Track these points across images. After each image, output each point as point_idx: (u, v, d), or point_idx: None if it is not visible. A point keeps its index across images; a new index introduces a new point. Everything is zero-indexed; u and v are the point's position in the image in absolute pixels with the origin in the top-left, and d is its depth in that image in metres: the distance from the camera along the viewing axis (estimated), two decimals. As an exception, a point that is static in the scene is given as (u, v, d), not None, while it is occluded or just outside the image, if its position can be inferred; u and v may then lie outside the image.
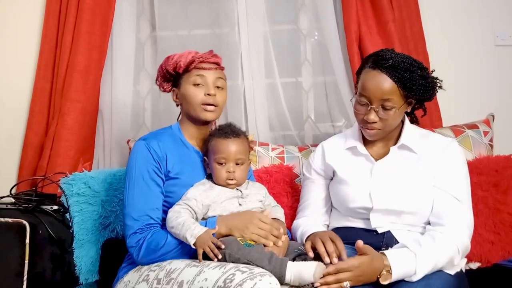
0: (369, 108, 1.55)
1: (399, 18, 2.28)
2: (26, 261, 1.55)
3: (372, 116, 1.55)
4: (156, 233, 1.49)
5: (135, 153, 1.57)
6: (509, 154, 1.95)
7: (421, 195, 1.56)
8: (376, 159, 1.64)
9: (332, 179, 1.73)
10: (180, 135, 1.66)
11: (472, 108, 2.30)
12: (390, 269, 1.39)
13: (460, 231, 1.51)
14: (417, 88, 1.53)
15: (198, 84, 1.61)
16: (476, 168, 1.89)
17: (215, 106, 1.61)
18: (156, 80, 1.73)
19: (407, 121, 1.67)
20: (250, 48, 2.39)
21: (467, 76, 2.38)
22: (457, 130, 2.05)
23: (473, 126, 2.07)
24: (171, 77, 1.69)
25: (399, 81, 1.52)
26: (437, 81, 1.61)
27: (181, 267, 1.40)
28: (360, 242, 1.40)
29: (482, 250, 1.80)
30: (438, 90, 1.63)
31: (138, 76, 2.50)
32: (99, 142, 2.41)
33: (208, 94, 1.60)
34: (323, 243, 1.43)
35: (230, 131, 1.60)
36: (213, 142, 1.59)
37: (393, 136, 1.66)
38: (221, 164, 1.57)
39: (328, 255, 1.40)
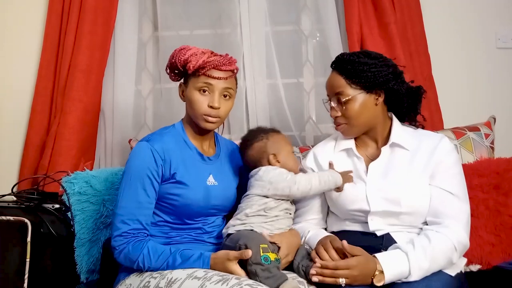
0: (330, 104, 1.65)
1: (401, 19, 2.28)
2: (28, 260, 1.55)
3: (333, 112, 1.64)
4: (137, 245, 1.48)
5: (137, 154, 1.54)
6: (510, 156, 1.95)
7: (419, 194, 1.55)
8: (370, 160, 1.65)
9: None
10: (184, 135, 1.63)
11: (473, 110, 2.30)
12: (383, 271, 1.41)
13: (457, 228, 1.50)
14: (364, 76, 1.59)
15: (204, 91, 1.56)
16: (477, 170, 1.89)
17: (217, 117, 1.57)
18: (166, 68, 1.65)
19: (395, 119, 1.67)
20: (252, 49, 2.39)
21: (468, 78, 2.38)
22: (458, 132, 2.06)
23: (474, 128, 2.07)
24: (180, 71, 1.62)
25: (344, 73, 1.61)
26: (392, 66, 1.62)
27: (182, 278, 1.38)
28: (345, 243, 1.43)
29: (482, 252, 1.79)
30: (399, 75, 1.63)
31: (140, 76, 2.50)
32: (101, 141, 2.41)
33: (212, 107, 1.54)
34: (326, 250, 1.47)
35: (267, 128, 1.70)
36: (270, 141, 1.64)
37: (383, 135, 1.66)
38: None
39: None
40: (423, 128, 1.72)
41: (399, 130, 1.65)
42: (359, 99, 1.60)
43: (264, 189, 1.56)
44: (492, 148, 2.05)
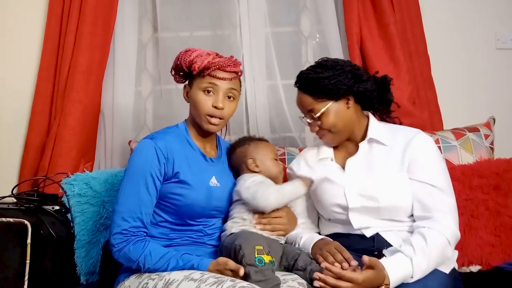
0: (306, 121, 1.68)
1: (400, 20, 2.28)
2: (28, 261, 1.55)
3: (312, 128, 1.68)
4: (138, 244, 1.48)
5: (141, 151, 1.54)
6: (510, 157, 1.95)
7: (396, 188, 1.57)
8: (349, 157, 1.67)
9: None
10: (187, 136, 1.63)
11: (473, 111, 2.30)
12: (389, 280, 1.39)
13: (447, 220, 1.51)
14: (326, 89, 1.61)
15: (208, 92, 1.56)
16: (477, 171, 1.89)
17: (220, 119, 1.57)
18: (171, 70, 1.67)
19: (372, 117, 1.69)
20: (252, 50, 2.39)
21: (468, 79, 2.38)
22: (458, 133, 2.06)
23: (474, 129, 2.07)
24: (185, 72, 1.63)
25: (308, 91, 1.65)
26: (350, 72, 1.63)
27: (179, 279, 1.38)
28: (365, 257, 1.40)
29: (482, 253, 1.80)
30: (360, 76, 1.64)
31: (140, 77, 2.50)
32: (101, 142, 2.41)
33: (216, 107, 1.55)
34: (332, 256, 1.47)
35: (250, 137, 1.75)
36: (252, 146, 1.66)
37: (360, 134, 1.68)
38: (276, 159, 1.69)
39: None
40: (400, 123, 1.74)
41: (376, 126, 1.67)
42: (331, 110, 1.63)
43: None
44: (492, 148, 2.05)
